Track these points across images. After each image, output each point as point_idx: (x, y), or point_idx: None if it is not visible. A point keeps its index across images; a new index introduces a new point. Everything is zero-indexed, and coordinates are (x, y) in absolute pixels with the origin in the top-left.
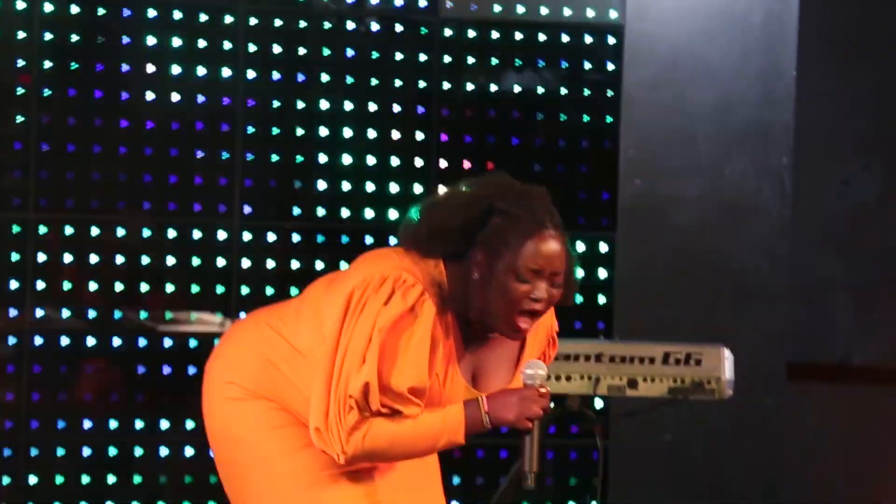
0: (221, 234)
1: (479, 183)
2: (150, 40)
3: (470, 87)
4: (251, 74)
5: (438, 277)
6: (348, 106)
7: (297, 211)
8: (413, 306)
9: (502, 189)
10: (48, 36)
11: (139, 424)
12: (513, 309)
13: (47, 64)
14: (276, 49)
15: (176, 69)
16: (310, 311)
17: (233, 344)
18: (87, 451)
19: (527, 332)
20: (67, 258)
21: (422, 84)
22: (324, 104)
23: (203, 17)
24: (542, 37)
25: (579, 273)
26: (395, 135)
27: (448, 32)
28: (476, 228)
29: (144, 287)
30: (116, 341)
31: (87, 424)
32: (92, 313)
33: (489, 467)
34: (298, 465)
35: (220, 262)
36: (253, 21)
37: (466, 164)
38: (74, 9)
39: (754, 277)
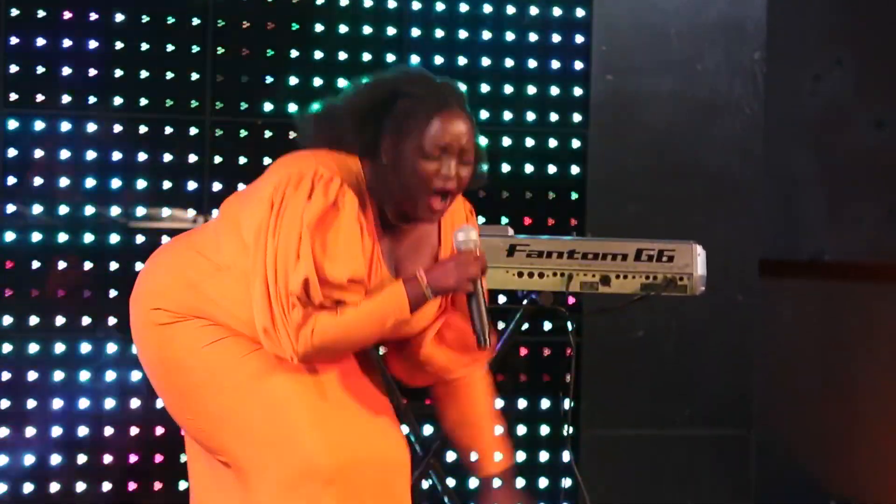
0: (193, 130)
1: (386, 73)
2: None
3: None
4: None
5: (355, 170)
6: None
7: (268, 107)
8: (335, 200)
9: (407, 75)
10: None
11: (112, 321)
12: (425, 189)
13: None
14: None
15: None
16: (228, 225)
17: (154, 270)
18: (60, 348)
19: (442, 214)
20: (38, 154)
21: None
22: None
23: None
24: None
25: (546, 170)
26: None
27: None
28: (382, 113)
29: (116, 183)
30: (88, 237)
31: (59, 321)
32: (63, 209)
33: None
34: (243, 374)
35: (192, 157)
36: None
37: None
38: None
39: (727, 174)
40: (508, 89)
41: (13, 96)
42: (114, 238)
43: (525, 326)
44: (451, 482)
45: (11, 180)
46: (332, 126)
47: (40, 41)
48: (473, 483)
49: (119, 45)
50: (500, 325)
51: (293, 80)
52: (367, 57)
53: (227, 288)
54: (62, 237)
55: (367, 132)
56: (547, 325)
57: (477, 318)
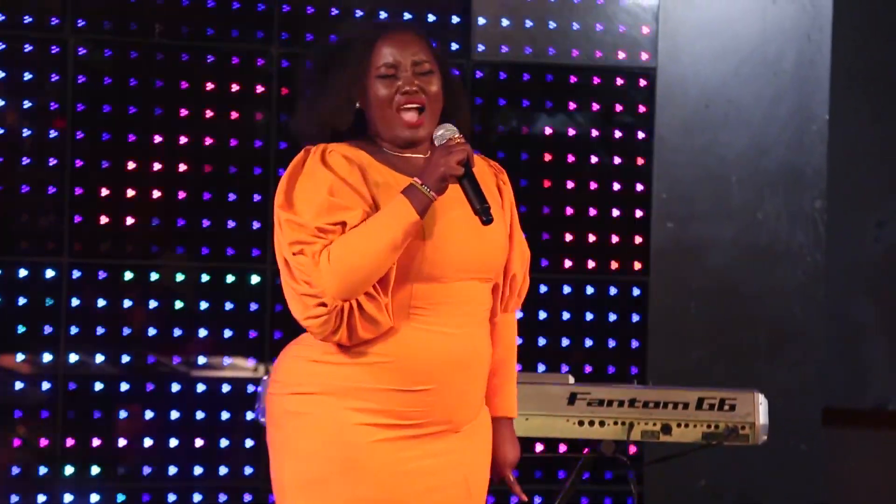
0: (254, 279)
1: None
2: (183, 84)
3: (502, 129)
4: (284, 117)
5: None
6: None
7: None
8: (303, 160)
9: (337, 34)
10: (81, 79)
11: (172, 470)
12: (393, 110)
13: (80, 107)
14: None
15: (209, 112)
16: None
17: None
18: (120, 498)
19: (422, 126)
20: (101, 303)
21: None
22: None
23: (235, 60)
24: (573, 79)
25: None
26: None
27: (479, 75)
28: (336, 76)
29: (177, 332)
30: (150, 386)
31: (120, 470)
32: (125, 358)
33: None
34: None
35: (253, 306)
36: (285, 63)
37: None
38: (108, 52)
39: (788, 322)
40: (569, 237)
41: (78, 246)
42: (175, 387)
43: (586, 476)
44: None
45: (74, 329)
46: (312, 121)
47: (104, 192)
48: None
49: (182, 194)
50: (561, 475)
51: None
52: None
53: None
54: (124, 386)
55: (336, 100)
56: (608, 475)
57: (474, 198)
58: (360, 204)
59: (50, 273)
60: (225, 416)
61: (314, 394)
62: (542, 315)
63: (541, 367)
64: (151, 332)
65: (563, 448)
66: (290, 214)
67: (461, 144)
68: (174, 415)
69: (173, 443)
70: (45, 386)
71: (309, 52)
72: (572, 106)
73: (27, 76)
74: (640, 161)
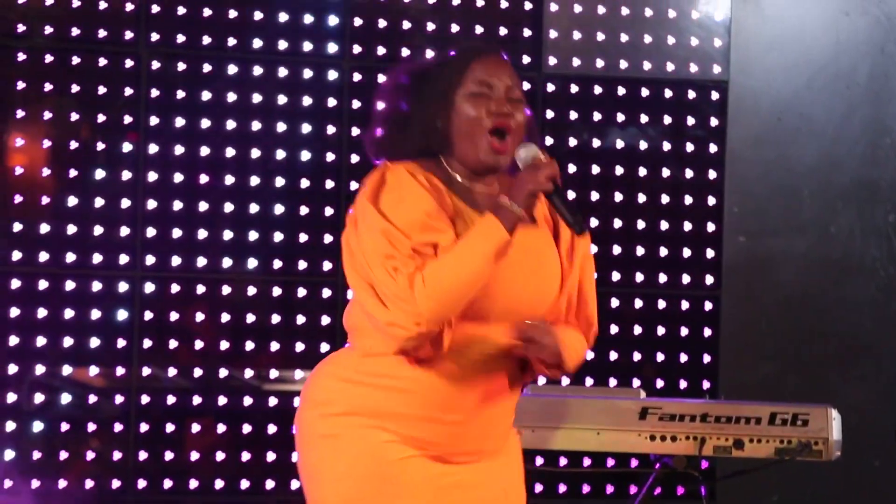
0: (326, 292)
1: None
2: (256, 97)
3: (573, 142)
4: (355, 131)
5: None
6: None
7: None
8: (384, 175)
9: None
10: (155, 93)
11: (245, 484)
12: (480, 130)
13: (154, 120)
14: (381, 105)
15: (281, 126)
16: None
17: None
18: None
19: (503, 150)
20: (174, 316)
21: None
22: None
23: (307, 74)
24: (645, 92)
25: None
26: None
27: (551, 88)
28: (426, 97)
29: (250, 345)
30: (222, 400)
31: (193, 484)
32: (198, 372)
33: None
34: None
35: (325, 319)
36: (357, 77)
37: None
38: (181, 65)
39: (861, 336)
40: (640, 250)
41: (150, 259)
42: (247, 400)
43: (657, 491)
44: None
45: (147, 343)
46: (396, 139)
47: (177, 205)
48: None
49: (254, 208)
50: (633, 490)
51: None
52: None
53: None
54: (196, 399)
55: (426, 122)
56: (680, 490)
57: (566, 211)
58: (450, 227)
59: (123, 286)
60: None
61: (344, 414)
62: (614, 329)
63: (612, 382)
64: (224, 345)
65: (634, 463)
66: (386, 225)
67: (548, 163)
68: (246, 429)
69: (245, 457)
70: (119, 399)
71: (404, 68)
72: (644, 119)
73: (101, 90)
74: (711, 174)
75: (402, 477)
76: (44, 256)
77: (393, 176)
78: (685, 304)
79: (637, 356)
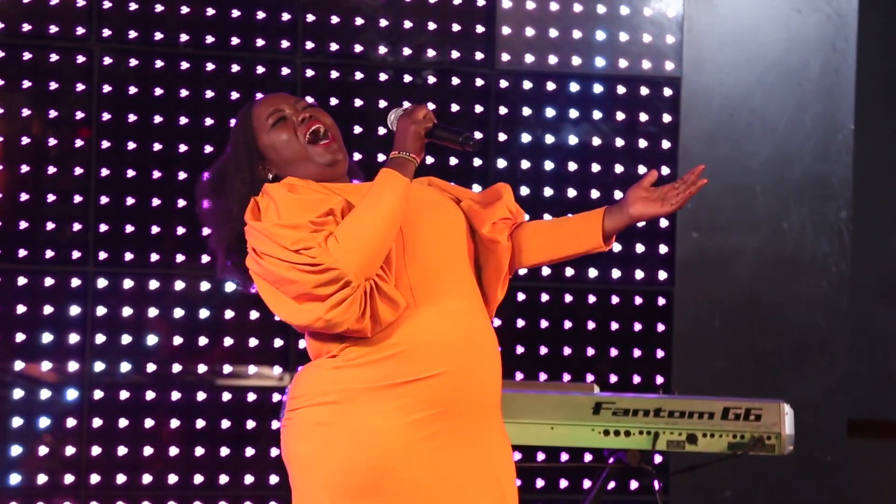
0: None
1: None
2: (209, 93)
3: (526, 138)
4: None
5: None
6: None
7: None
8: (255, 202)
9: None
10: (107, 88)
11: (198, 479)
12: (300, 145)
13: (106, 116)
14: (333, 101)
15: (234, 122)
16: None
17: None
18: None
19: (330, 143)
20: (126, 312)
21: (478, 135)
22: (381, 157)
23: (259, 69)
24: (598, 89)
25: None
26: None
27: (504, 84)
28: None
29: (203, 341)
30: (175, 395)
31: (146, 479)
32: (151, 367)
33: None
34: None
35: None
36: (309, 73)
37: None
38: (133, 61)
39: (813, 331)
40: None
41: (102, 255)
42: (200, 395)
43: (611, 486)
44: None
45: (100, 338)
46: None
47: (129, 201)
48: None
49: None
50: (587, 485)
51: None
52: None
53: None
54: (150, 394)
55: (253, 179)
56: (633, 485)
57: (453, 134)
58: (336, 196)
59: (76, 282)
60: (250, 424)
61: (339, 403)
62: (567, 325)
63: (566, 377)
64: (177, 340)
65: (588, 457)
66: (277, 223)
67: (418, 107)
68: (199, 423)
69: (199, 452)
70: (71, 395)
71: (202, 178)
72: (597, 115)
73: (53, 85)
74: (665, 171)
75: (403, 467)
76: None
77: (263, 196)
78: (638, 300)
79: (591, 351)
